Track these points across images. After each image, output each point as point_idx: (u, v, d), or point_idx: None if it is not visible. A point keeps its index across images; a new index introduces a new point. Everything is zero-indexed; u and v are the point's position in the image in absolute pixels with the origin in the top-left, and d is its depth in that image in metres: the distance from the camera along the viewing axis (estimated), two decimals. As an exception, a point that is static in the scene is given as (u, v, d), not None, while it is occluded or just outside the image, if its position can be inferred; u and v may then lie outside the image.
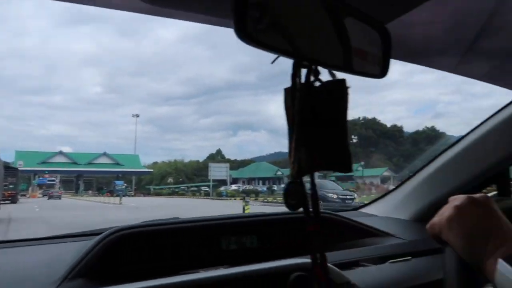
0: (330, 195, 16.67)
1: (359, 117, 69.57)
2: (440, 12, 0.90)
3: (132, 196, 45.97)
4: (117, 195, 33.84)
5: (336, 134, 0.59)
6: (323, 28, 0.58)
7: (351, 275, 0.89)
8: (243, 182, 55.45)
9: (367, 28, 0.64)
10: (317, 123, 0.58)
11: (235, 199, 31.05)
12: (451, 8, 0.90)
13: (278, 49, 0.51)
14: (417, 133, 65.53)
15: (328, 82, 0.58)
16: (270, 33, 0.50)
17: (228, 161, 65.22)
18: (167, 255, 1.00)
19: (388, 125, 69.23)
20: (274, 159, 68.00)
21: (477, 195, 0.66)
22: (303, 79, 0.57)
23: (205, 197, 41.55)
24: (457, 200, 0.66)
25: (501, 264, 0.51)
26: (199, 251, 1.05)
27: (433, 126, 70.00)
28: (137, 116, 72.12)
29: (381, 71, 0.64)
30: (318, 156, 0.59)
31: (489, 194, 1.36)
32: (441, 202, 0.99)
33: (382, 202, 1.57)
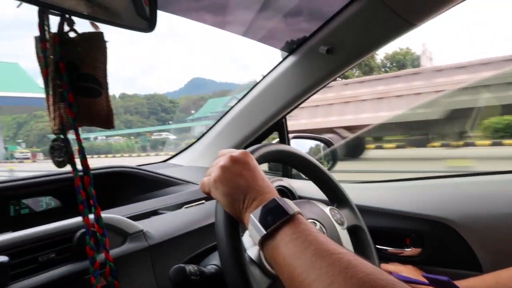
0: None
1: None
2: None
3: None
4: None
5: (98, 89, 0.58)
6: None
7: (144, 224, 0.92)
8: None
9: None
10: (76, 77, 0.56)
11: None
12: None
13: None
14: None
15: (85, 34, 0.55)
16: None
17: None
18: None
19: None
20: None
21: (237, 153, 0.71)
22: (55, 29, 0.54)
23: None
24: (221, 159, 0.71)
25: (251, 218, 0.61)
26: None
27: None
28: None
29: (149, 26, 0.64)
30: (81, 111, 0.58)
31: (274, 141, 1.60)
32: (236, 147, 1.15)
33: (188, 152, 1.65)
